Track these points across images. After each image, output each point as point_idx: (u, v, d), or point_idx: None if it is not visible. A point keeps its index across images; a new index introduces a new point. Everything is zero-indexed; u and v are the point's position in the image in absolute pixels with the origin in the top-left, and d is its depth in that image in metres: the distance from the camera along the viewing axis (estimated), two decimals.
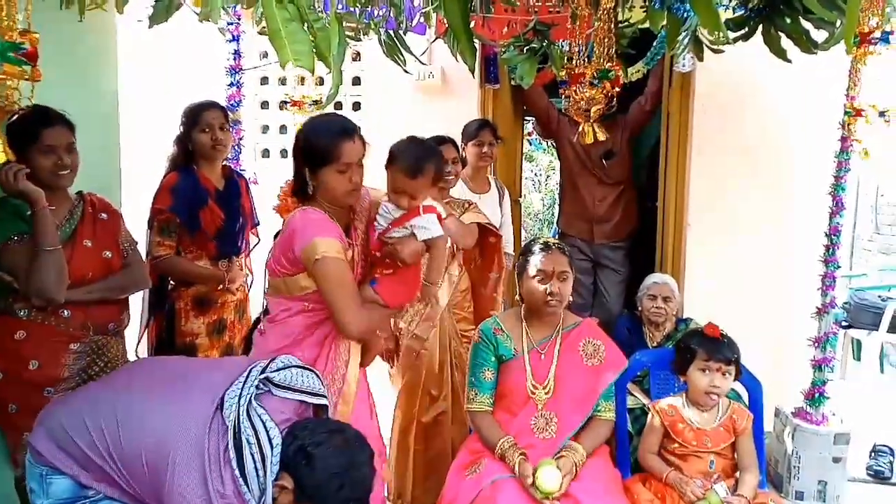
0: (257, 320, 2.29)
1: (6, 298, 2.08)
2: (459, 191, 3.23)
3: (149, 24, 2.38)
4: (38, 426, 1.71)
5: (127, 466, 1.59)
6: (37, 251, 1.99)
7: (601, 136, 2.87)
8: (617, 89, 2.59)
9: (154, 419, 1.60)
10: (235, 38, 3.08)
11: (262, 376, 1.66)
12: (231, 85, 3.20)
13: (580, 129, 2.89)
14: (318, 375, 1.78)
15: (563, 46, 3.07)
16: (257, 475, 1.53)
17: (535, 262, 2.33)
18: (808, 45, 2.61)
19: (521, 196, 4.54)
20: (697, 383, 2.27)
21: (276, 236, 2.09)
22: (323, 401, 1.75)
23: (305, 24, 1.32)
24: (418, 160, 2.06)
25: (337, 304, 1.93)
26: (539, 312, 2.33)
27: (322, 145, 1.96)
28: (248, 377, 1.65)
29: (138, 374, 1.82)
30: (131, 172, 2.89)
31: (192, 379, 1.72)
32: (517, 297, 2.47)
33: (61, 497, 1.65)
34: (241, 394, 1.61)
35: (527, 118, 5.24)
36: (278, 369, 1.70)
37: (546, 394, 2.25)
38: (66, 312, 2.10)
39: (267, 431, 1.56)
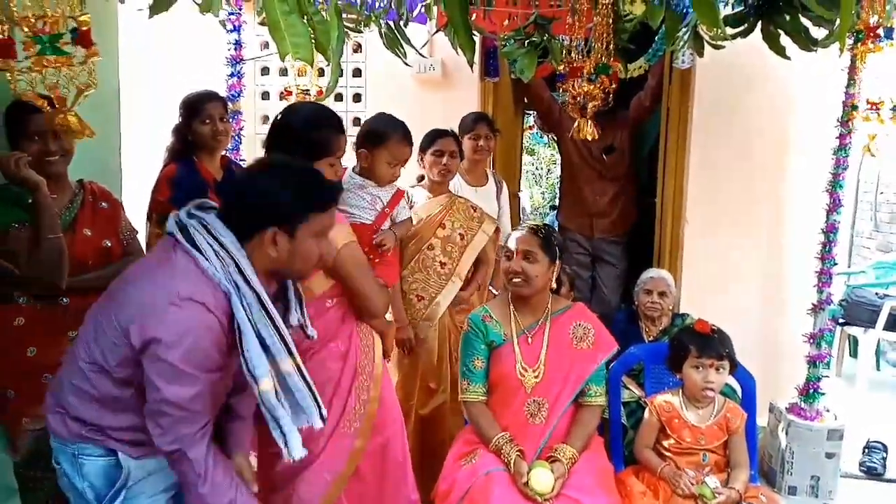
0: None
1: (6, 285, 2.09)
2: (456, 184, 3.24)
3: (149, 14, 2.37)
4: (49, 411, 1.64)
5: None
6: (38, 238, 2.00)
7: (594, 135, 2.88)
8: (614, 85, 2.60)
9: (122, 307, 1.54)
10: (236, 29, 3.08)
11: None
12: (231, 75, 3.20)
13: (575, 124, 2.90)
14: None
15: (563, 41, 3.07)
16: (220, 259, 1.51)
17: (506, 241, 2.37)
18: (806, 43, 2.62)
19: (519, 190, 4.54)
20: (692, 380, 2.28)
21: None
22: None
23: (305, 17, 1.33)
24: (406, 128, 2.32)
25: (364, 288, 2.03)
26: (513, 294, 2.33)
27: (321, 137, 1.97)
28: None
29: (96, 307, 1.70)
30: (131, 162, 2.90)
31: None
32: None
33: (95, 479, 1.61)
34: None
35: (527, 112, 5.24)
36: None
37: (536, 378, 2.24)
38: (64, 300, 2.11)
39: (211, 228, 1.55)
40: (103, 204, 2.28)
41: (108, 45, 2.74)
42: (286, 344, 1.57)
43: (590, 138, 2.84)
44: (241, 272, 1.52)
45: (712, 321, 2.38)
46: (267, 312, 1.54)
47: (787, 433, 3.18)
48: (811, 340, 3.16)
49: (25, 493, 2.17)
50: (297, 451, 1.59)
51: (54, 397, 1.63)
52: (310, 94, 3.18)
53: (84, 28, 1.63)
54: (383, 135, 2.38)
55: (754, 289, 3.77)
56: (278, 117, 2.06)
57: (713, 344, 2.28)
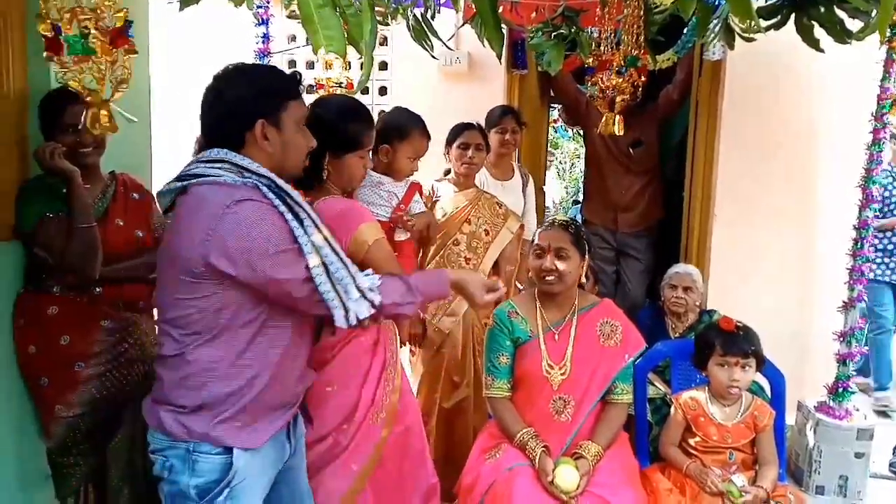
0: None
1: (40, 275, 2.13)
2: (482, 177, 3.24)
3: (179, 7, 2.39)
4: (155, 407, 1.61)
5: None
6: (72, 228, 2.03)
7: (620, 130, 2.85)
8: (643, 78, 2.57)
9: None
10: (264, 22, 3.09)
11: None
12: None
13: (603, 119, 2.87)
14: None
15: (591, 33, 3.04)
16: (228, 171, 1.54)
17: (536, 238, 2.33)
18: (841, 35, 2.56)
19: (544, 184, 4.52)
20: (717, 378, 2.26)
21: None
22: None
23: (337, 9, 1.33)
24: (424, 122, 2.35)
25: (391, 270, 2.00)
26: (543, 291, 2.30)
27: (353, 130, 1.97)
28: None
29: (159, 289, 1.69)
30: (161, 155, 2.93)
31: None
32: (529, 275, 2.46)
33: (208, 477, 1.58)
34: None
35: (553, 105, 5.20)
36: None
37: (562, 375, 2.22)
38: (97, 289, 2.14)
39: None
40: (135, 195, 2.31)
41: (139, 40, 2.77)
42: (312, 219, 1.58)
43: (618, 132, 2.82)
44: (249, 170, 1.55)
45: (740, 317, 2.35)
46: (285, 192, 1.56)
47: (815, 432, 3.13)
48: (841, 338, 3.11)
49: (58, 479, 2.21)
50: (364, 310, 1.56)
51: (163, 396, 1.60)
52: (342, 87, 3.19)
53: (121, 24, 1.66)
54: (405, 129, 2.38)
55: (784, 285, 3.72)
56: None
57: (738, 341, 2.25)
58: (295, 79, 1.68)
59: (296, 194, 1.59)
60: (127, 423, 2.23)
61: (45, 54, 1.71)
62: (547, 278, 2.24)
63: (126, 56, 1.73)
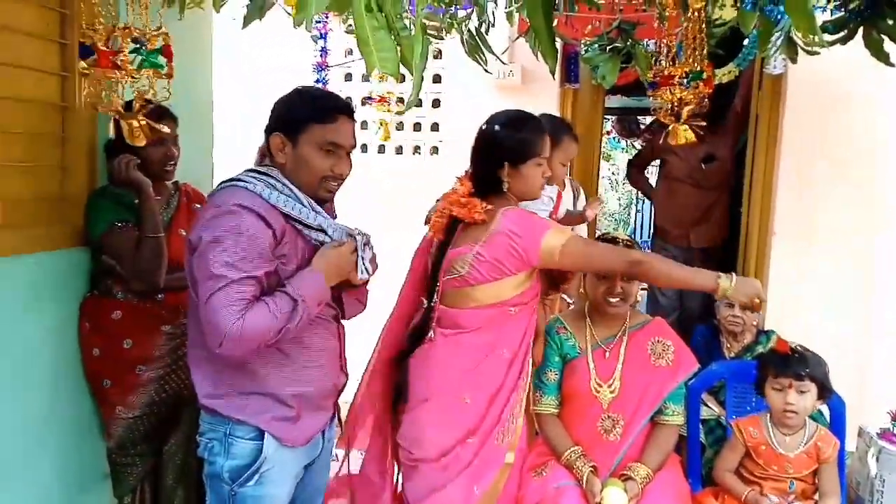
0: None
1: (105, 280, 2.22)
2: None
3: (243, 24, 2.47)
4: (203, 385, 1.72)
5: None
6: (141, 238, 2.12)
7: (691, 137, 2.80)
8: (709, 90, 2.52)
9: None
10: (322, 36, 3.17)
11: None
12: (317, 81, 3.29)
13: (668, 128, 2.82)
14: None
15: (647, 46, 3.00)
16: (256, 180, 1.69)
17: None
18: None
19: (597, 195, 4.51)
20: (773, 402, 2.19)
21: (443, 247, 2.06)
22: None
23: (392, 32, 1.36)
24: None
25: (605, 257, 2.02)
26: (601, 310, 2.27)
27: (528, 140, 2.02)
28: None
29: None
30: (222, 166, 3.02)
31: None
32: (580, 290, 2.43)
33: (240, 461, 1.69)
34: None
35: (606, 117, 5.18)
36: None
37: (611, 393, 2.19)
38: (160, 296, 2.22)
39: None
40: (197, 206, 2.38)
41: (202, 53, 2.87)
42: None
43: (692, 138, 2.76)
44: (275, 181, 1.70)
45: (798, 339, 2.27)
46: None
47: (877, 460, 3.00)
48: None
49: (116, 478, 2.29)
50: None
51: (216, 374, 1.71)
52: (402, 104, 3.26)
53: (167, 43, 1.81)
54: (557, 136, 2.44)
55: (845, 307, 3.58)
56: (483, 127, 2.09)
57: (792, 363, 2.16)
58: (329, 105, 1.75)
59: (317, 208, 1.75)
60: (183, 426, 2.30)
61: (83, 65, 1.80)
62: (612, 301, 2.22)
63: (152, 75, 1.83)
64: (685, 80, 2.43)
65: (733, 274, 1.95)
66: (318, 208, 1.75)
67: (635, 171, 4.68)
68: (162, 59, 1.81)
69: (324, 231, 1.74)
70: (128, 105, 1.90)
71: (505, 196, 2.03)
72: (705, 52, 2.42)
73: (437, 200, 2.72)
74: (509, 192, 2.03)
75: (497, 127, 2.03)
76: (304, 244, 1.73)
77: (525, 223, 1.97)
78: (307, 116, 1.70)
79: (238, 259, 1.57)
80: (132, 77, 1.80)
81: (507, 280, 1.97)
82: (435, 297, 2.05)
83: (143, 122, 1.87)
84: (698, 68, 2.41)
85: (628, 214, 9.54)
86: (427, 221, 2.71)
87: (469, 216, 1.99)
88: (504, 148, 2.00)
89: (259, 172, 1.71)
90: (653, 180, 4.71)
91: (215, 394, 1.70)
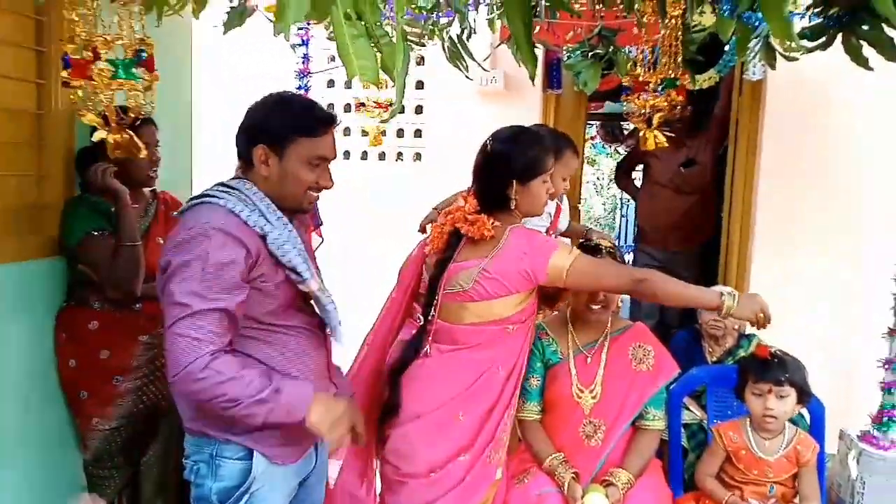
0: None
1: (82, 290, 2.19)
2: None
3: (224, 31, 2.46)
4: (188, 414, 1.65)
5: None
6: (117, 246, 2.09)
7: (662, 141, 2.82)
8: (681, 97, 2.53)
9: None
10: (304, 43, 3.15)
11: None
12: (299, 88, 3.27)
13: (641, 134, 2.84)
14: None
15: (629, 52, 3.02)
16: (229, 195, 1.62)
17: None
18: (893, 53, 2.49)
19: (579, 201, 4.52)
20: (752, 407, 2.19)
21: (443, 262, 2.02)
22: None
23: (372, 40, 1.36)
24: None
25: (612, 276, 2.00)
26: (583, 316, 2.28)
27: (538, 157, 2.00)
28: None
29: None
30: (202, 173, 3.00)
31: None
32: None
33: (228, 482, 1.62)
34: None
35: (590, 122, 5.21)
36: None
37: (593, 398, 2.19)
38: (137, 305, 2.20)
39: None
40: (175, 214, 2.36)
41: (182, 60, 2.85)
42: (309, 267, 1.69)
43: (660, 144, 2.78)
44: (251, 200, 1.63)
45: (780, 343, 2.28)
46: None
47: (858, 462, 3.02)
48: (887, 366, 3.00)
49: (93, 490, 2.26)
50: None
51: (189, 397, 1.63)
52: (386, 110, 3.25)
53: (149, 53, 1.75)
54: (559, 150, 2.41)
55: (826, 310, 3.61)
56: (489, 144, 2.06)
57: (771, 368, 2.17)
58: (316, 118, 1.69)
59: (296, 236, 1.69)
60: (161, 437, 2.27)
61: (63, 75, 1.76)
62: (593, 307, 2.22)
63: (153, 85, 1.80)
64: (659, 88, 2.44)
65: (735, 292, 1.96)
66: (287, 222, 1.68)
67: (622, 174, 4.73)
68: (138, 71, 1.78)
69: (295, 271, 1.66)
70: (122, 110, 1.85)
71: (511, 212, 2.02)
72: (680, 59, 2.43)
73: (434, 209, 2.71)
74: (515, 209, 2.02)
75: (505, 145, 2.02)
76: (280, 264, 1.65)
77: (533, 242, 1.96)
78: (294, 129, 1.64)
79: (204, 288, 1.49)
80: (109, 89, 1.76)
81: (510, 298, 1.96)
82: (433, 311, 2.02)
83: (128, 136, 1.84)
84: (672, 76, 2.42)
85: (613, 219, 9.58)
86: (422, 230, 2.70)
87: (478, 233, 1.97)
88: (513, 165, 1.98)
89: (230, 187, 1.64)
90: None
91: (200, 414, 1.61)
